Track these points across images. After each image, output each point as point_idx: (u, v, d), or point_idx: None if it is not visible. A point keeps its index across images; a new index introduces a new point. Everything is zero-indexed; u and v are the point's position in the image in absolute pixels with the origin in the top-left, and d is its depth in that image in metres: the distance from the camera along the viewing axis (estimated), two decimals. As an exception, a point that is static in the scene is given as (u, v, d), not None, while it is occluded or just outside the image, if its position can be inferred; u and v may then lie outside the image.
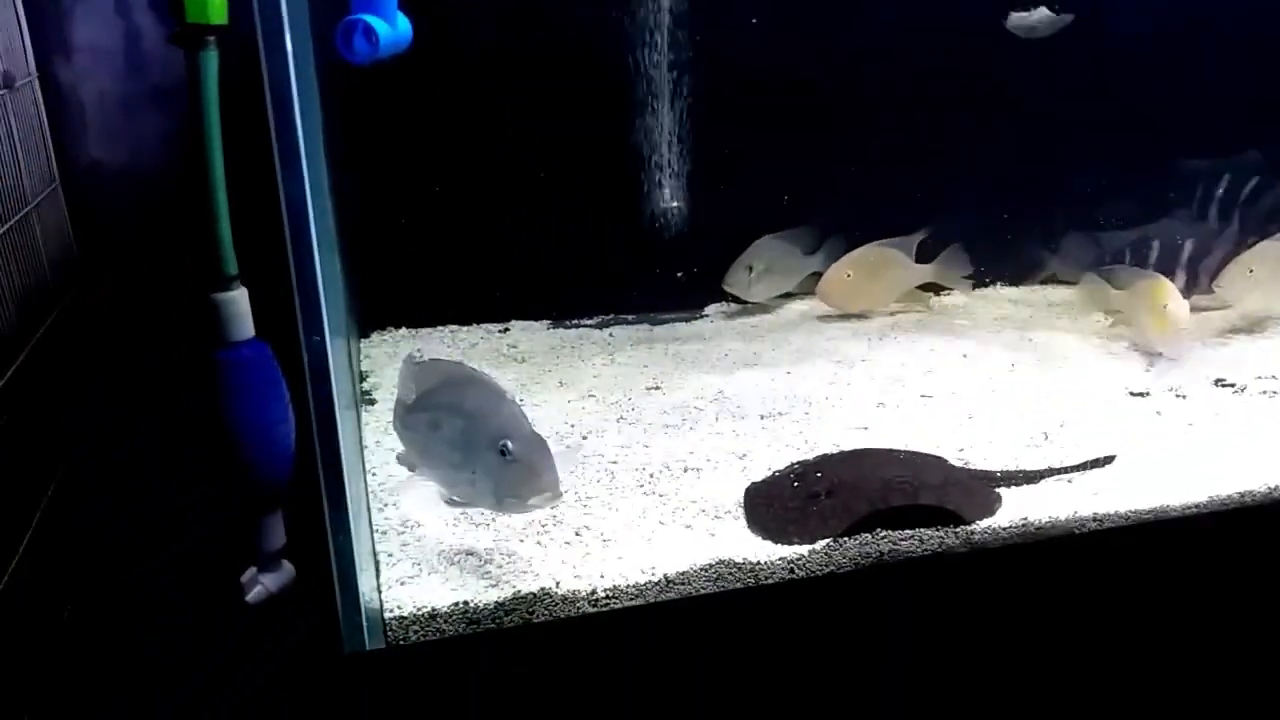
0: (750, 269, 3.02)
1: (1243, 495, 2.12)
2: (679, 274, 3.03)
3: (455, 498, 1.77)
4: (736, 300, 3.13)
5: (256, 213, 1.53)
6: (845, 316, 3.12)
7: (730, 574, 1.83)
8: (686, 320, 3.10)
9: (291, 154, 1.39)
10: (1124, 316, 2.92)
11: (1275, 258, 2.93)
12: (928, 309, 3.21)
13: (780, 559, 1.86)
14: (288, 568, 1.85)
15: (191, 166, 1.65)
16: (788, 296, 3.20)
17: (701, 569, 1.82)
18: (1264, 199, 3.17)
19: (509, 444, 1.62)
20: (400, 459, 1.95)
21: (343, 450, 1.57)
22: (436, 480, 1.78)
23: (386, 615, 1.70)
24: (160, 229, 2.24)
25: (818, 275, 3.12)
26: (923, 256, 3.10)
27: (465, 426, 1.68)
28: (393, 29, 1.65)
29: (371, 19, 1.60)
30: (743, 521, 1.97)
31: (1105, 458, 2.20)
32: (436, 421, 1.73)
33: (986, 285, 3.36)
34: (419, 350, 2.60)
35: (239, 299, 1.71)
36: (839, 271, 3.06)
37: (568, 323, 3.04)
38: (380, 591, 1.75)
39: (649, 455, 2.22)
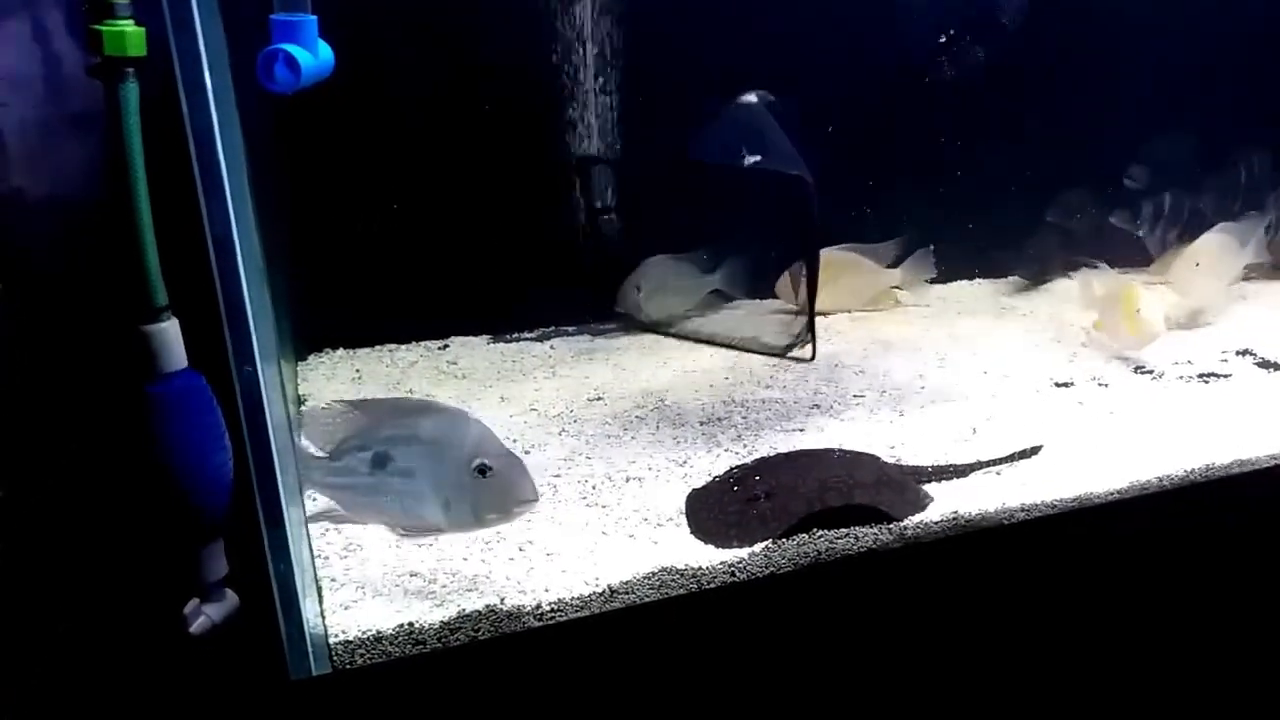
0: (639, 289, 3.03)
1: (1160, 480, 2.21)
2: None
3: (416, 527, 1.76)
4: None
5: (185, 240, 1.53)
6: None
7: (673, 581, 1.86)
8: (626, 329, 3.13)
9: (215, 190, 1.39)
10: (1101, 317, 2.93)
11: (1216, 249, 3.07)
12: (897, 304, 3.30)
13: (721, 563, 1.90)
14: (231, 597, 1.83)
15: (116, 199, 1.63)
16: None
17: (645, 577, 1.85)
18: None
19: (486, 462, 1.68)
20: (318, 517, 1.85)
21: (279, 479, 1.57)
22: (388, 518, 1.77)
23: (331, 640, 1.70)
24: (89, 258, 2.21)
25: (719, 293, 3.18)
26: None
27: (425, 453, 1.70)
28: (314, 57, 1.64)
29: (293, 48, 1.60)
30: (685, 528, 2.01)
31: (1032, 449, 2.28)
32: (383, 457, 1.73)
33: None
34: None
35: (169, 330, 1.69)
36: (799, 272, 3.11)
37: (508, 337, 3.05)
38: (324, 617, 1.75)
39: (591, 467, 2.25)
